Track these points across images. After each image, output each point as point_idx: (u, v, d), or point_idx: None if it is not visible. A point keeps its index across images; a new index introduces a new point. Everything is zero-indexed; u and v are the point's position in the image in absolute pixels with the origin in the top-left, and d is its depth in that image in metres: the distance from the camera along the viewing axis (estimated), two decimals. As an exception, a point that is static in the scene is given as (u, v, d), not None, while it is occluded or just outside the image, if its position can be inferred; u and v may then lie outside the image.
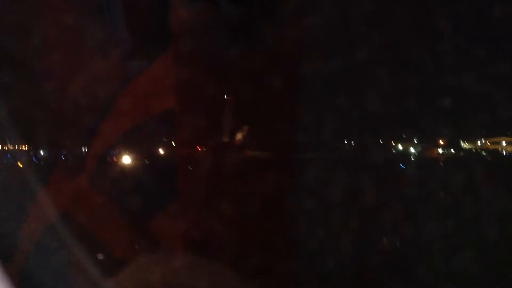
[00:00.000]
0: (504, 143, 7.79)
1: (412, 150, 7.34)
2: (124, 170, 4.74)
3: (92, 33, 3.95)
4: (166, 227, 3.73)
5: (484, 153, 7.43)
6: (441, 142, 7.41)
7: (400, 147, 7.38)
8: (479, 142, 7.60)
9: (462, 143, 7.49)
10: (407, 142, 7.43)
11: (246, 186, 3.75)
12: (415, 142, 7.48)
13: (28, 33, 4.05)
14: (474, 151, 7.47)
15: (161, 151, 5.88)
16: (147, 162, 5.49)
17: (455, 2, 5.46)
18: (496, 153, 7.38)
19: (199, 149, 4.56)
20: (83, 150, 5.18)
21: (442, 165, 6.73)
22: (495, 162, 6.83)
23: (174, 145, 5.82)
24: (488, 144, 7.60)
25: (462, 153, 7.38)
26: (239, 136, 5.13)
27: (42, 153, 5.74)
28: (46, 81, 4.28)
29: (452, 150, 7.36)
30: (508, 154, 7.54)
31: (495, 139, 7.74)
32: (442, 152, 7.29)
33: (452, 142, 7.39)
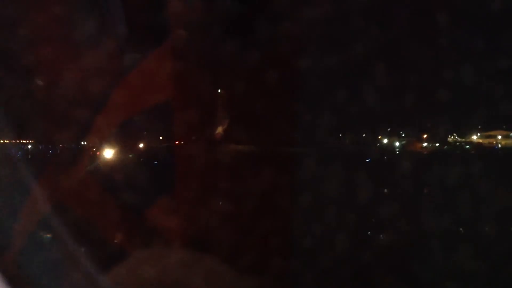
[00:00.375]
0: (499, 137, 7.86)
1: (397, 144, 7.44)
2: (106, 163, 4.86)
3: (88, 27, 4.04)
4: (154, 220, 3.84)
5: (468, 147, 7.52)
6: (425, 136, 7.50)
7: (385, 140, 7.47)
8: (474, 136, 7.67)
9: (448, 137, 7.56)
10: (393, 136, 7.52)
11: (215, 180, 3.87)
12: (402, 136, 7.56)
13: (22, 27, 4.15)
14: (458, 144, 7.55)
15: (147, 146, 6.01)
16: (130, 156, 5.61)
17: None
18: (480, 147, 7.46)
19: (177, 143, 4.68)
20: (72, 144, 5.31)
21: (423, 157, 6.84)
22: (476, 155, 6.93)
23: (160, 139, 5.95)
24: (474, 138, 7.67)
25: (446, 147, 7.46)
26: (219, 130, 5.23)
27: (30, 146, 5.86)
28: (40, 75, 4.38)
29: (437, 144, 7.45)
30: (496, 147, 7.63)
31: (485, 133, 7.81)
32: (426, 146, 7.38)
33: (438, 136, 7.47)
